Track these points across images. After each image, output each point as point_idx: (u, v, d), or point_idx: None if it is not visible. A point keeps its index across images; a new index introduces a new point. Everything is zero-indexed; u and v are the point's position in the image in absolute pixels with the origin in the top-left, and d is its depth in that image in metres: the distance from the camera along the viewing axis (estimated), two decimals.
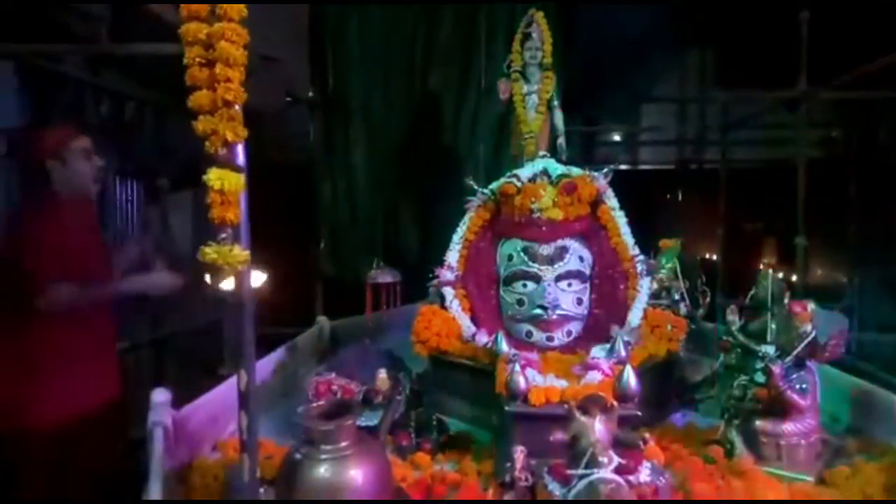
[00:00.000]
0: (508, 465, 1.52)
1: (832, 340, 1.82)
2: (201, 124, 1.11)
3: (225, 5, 1.09)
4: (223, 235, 1.13)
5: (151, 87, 4.76)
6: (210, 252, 1.13)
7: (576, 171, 2.46)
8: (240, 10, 1.11)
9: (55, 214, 2.24)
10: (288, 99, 4.80)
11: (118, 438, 2.38)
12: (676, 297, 2.78)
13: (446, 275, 2.46)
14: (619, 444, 1.39)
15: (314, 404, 1.48)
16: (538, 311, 2.23)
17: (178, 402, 1.70)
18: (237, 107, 1.12)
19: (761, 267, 2.09)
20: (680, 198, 6.94)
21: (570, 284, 2.28)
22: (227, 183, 1.11)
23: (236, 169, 1.14)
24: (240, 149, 1.15)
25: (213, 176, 1.11)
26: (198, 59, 1.10)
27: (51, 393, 2.16)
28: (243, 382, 1.26)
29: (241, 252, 1.15)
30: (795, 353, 1.79)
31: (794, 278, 4.74)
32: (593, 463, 1.29)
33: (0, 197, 3.19)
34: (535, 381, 1.78)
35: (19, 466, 2.14)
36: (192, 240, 5.08)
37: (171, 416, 1.64)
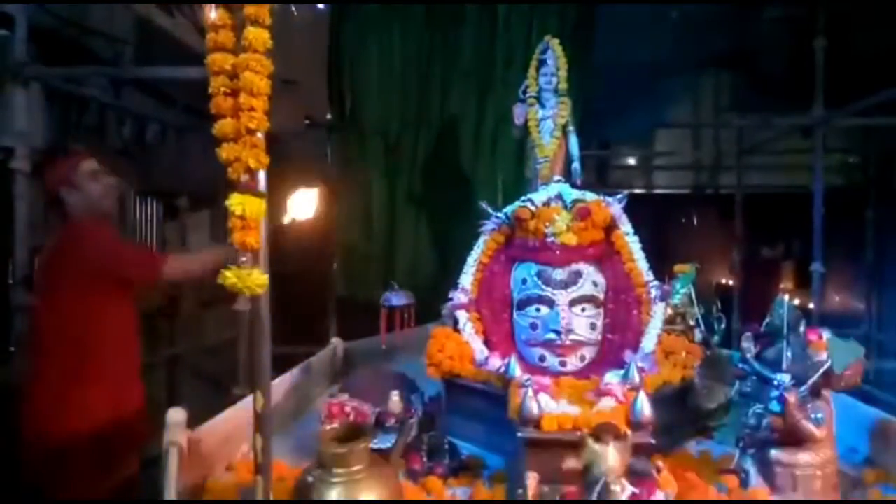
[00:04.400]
0: (520, 491, 1.52)
1: (848, 370, 1.80)
2: (225, 152, 1.14)
3: (250, 36, 1.13)
4: (243, 259, 1.16)
5: (173, 108, 4.86)
6: (230, 276, 1.15)
7: (590, 195, 2.47)
8: (265, 41, 1.14)
9: (104, 232, 2.39)
10: (307, 122, 4.88)
11: (139, 452, 2.45)
12: (691, 322, 2.76)
13: (460, 298, 2.47)
14: (632, 473, 1.38)
15: (327, 427, 1.49)
16: (551, 335, 2.23)
17: (191, 421, 1.72)
18: (260, 134, 1.15)
19: (778, 293, 2.07)
20: (695, 222, 6.93)
21: (583, 309, 2.28)
22: (248, 208, 1.13)
23: (258, 195, 1.16)
24: (262, 175, 1.18)
25: (235, 201, 1.14)
26: (223, 89, 1.14)
27: (92, 403, 2.25)
28: (259, 404, 1.27)
29: (260, 276, 1.17)
30: (811, 382, 1.77)
31: (811, 305, 4.70)
32: (606, 491, 1.28)
33: (23, 212, 3.27)
34: (547, 406, 1.77)
35: (48, 474, 2.20)
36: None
37: (186, 435, 1.66)
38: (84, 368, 2.27)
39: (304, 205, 2.72)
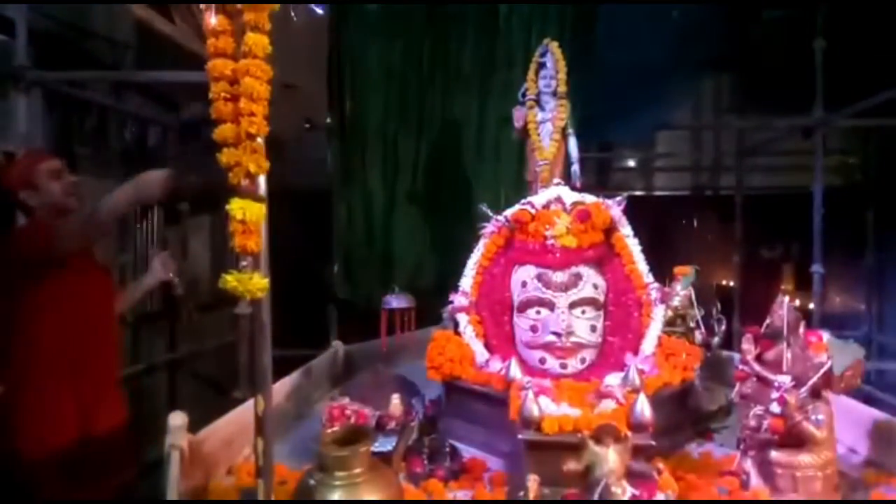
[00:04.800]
0: (521, 493, 1.52)
1: (848, 371, 1.80)
2: (225, 156, 1.15)
3: (250, 42, 1.13)
4: (244, 263, 1.16)
5: (173, 111, 4.88)
6: (230, 280, 1.16)
7: (590, 198, 2.48)
8: (264, 46, 1.15)
9: (38, 235, 2.22)
10: (306, 125, 4.89)
11: (124, 467, 2.36)
12: (692, 324, 2.76)
13: (460, 301, 2.48)
14: (632, 475, 1.39)
15: (328, 430, 1.50)
16: (552, 337, 2.24)
17: (192, 425, 1.72)
18: (260, 139, 1.16)
19: (778, 295, 2.08)
20: (695, 224, 6.93)
21: (583, 311, 2.29)
22: (248, 213, 1.14)
23: (258, 199, 1.17)
24: (262, 179, 1.19)
25: (236, 206, 1.14)
26: (223, 94, 1.15)
27: (53, 416, 2.17)
28: (260, 407, 1.27)
29: (260, 280, 1.17)
30: (811, 383, 1.78)
31: (811, 306, 4.70)
32: (607, 493, 1.29)
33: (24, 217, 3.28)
34: (548, 408, 1.78)
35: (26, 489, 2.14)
36: (210, 262, 5.16)
37: (187, 439, 1.66)
38: (31, 381, 2.18)
39: None
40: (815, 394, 1.78)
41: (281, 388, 2.38)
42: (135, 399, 3.05)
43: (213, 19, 1.16)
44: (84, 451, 2.18)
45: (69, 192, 2.33)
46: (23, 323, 2.19)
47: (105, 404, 2.32)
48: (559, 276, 2.30)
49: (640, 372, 1.97)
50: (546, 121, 3.02)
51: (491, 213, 2.56)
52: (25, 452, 2.13)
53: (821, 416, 1.76)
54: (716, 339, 2.80)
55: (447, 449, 1.99)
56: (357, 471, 1.34)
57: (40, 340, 2.19)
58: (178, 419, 1.65)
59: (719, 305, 2.93)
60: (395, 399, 2.11)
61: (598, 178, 7.03)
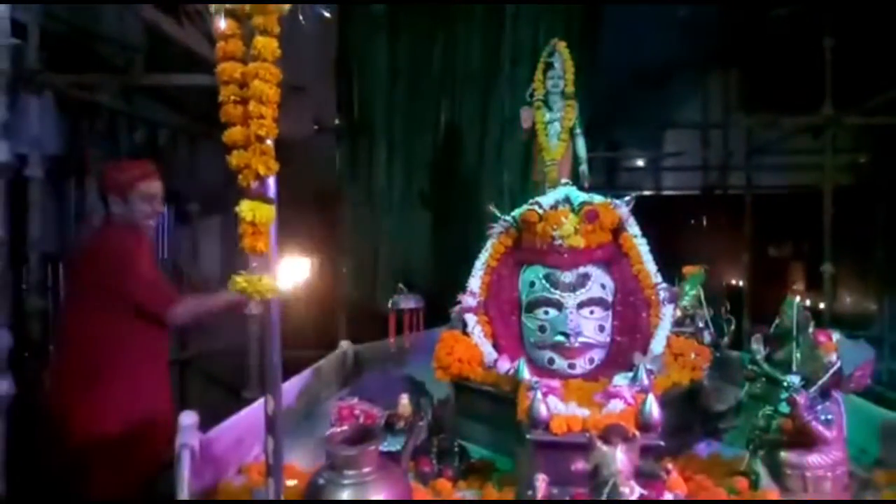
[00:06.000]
0: (530, 492, 1.53)
1: (858, 371, 1.80)
2: (235, 159, 1.16)
3: (259, 45, 1.14)
4: (254, 264, 1.17)
5: (183, 115, 4.90)
6: (240, 281, 1.17)
7: (598, 198, 2.47)
8: (273, 49, 1.16)
9: (133, 244, 2.34)
10: (315, 127, 4.90)
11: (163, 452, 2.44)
12: (700, 324, 2.76)
13: (468, 301, 2.48)
14: (641, 475, 1.38)
15: (337, 429, 1.50)
16: (560, 337, 2.24)
17: (202, 424, 1.74)
18: (269, 141, 1.17)
19: (788, 294, 2.07)
20: (704, 223, 6.89)
21: (592, 312, 2.29)
22: (258, 214, 1.15)
23: (267, 201, 1.18)
24: (271, 181, 1.20)
25: (245, 207, 1.15)
26: (232, 97, 1.16)
27: (112, 403, 2.25)
28: (270, 407, 1.28)
29: (270, 281, 1.18)
30: (821, 383, 1.77)
31: (821, 306, 4.67)
32: (615, 493, 1.29)
33: (37, 218, 3.31)
34: (556, 408, 1.78)
35: (71, 470, 2.22)
36: (220, 263, 5.17)
37: (198, 438, 1.68)
38: (98, 371, 2.27)
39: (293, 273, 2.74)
40: (825, 394, 1.78)
41: (291, 388, 2.39)
42: None
43: (222, 23, 1.17)
44: (137, 435, 2.24)
45: (151, 217, 2.42)
46: (79, 321, 2.30)
47: (152, 398, 2.39)
48: (567, 277, 2.30)
49: (649, 372, 1.96)
50: (554, 121, 3.02)
51: (499, 214, 2.56)
52: (66, 439, 2.20)
53: (831, 417, 1.75)
54: (725, 339, 2.80)
55: (456, 449, 2.00)
56: (366, 470, 1.35)
57: (96, 336, 2.27)
58: (188, 418, 1.66)
59: (728, 305, 2.93)
60: (404, 399, 2.12)
61: (607, 177, 7.01)
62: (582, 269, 2.32)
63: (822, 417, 1.75)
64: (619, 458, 1.34)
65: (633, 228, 2.43)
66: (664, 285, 2.35)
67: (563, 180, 2.77)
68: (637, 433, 1.42)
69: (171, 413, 2.36)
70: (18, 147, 3.37)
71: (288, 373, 2.44)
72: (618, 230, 2.42)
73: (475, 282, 2.53)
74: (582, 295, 2.28)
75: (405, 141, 4.70)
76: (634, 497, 1.29)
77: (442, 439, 2.01)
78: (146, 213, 2.38)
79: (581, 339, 2.23)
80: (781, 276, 6.57)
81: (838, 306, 5.37)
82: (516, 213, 2.52)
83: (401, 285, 3.04)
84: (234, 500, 1.71)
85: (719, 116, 6.87)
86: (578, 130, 3.03)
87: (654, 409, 1.68)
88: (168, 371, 2.58)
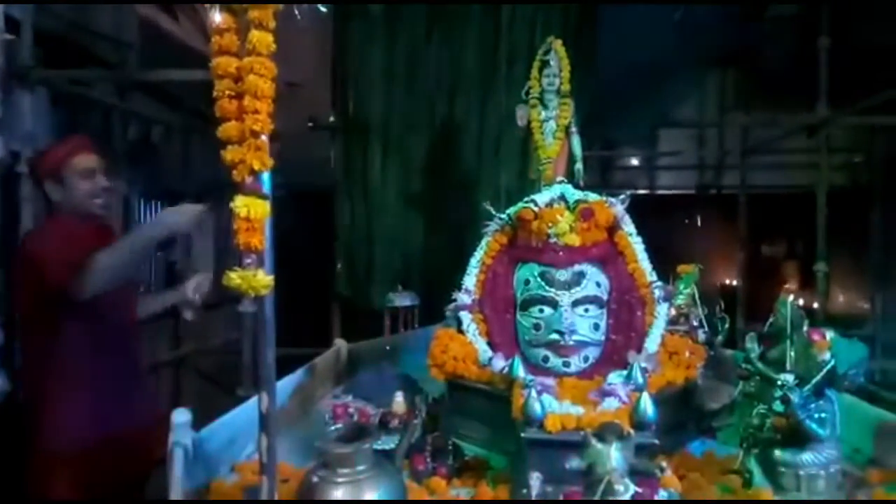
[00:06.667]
0: (524, 491, 1.52)
1: (852, 370, 1.80)
2: (229, 154, 1.15)
3: (254, 40, 1.14)
4: (248, 261, 1.17)
5: (177, 110, 4.89)
6: (234, 277, 1.16)
7: (593, 196, 2.47)
8: (269, 44, 1.15)
9: (61, 231, 2.14)
10: (310, 124, 4.89)
11: (146, 463, 2.34)
12: (695, 323, 2.76)
13: (463, 299, 2.48)
14: (635, 473, 1.38)
15: (331, 428, 1.50)
16: (555, 336, 2.24)
17: (196, 422, 1.73)
18: (264, 137, 1.16)
19: (782, 293, 2.07)
20: (699, 223, 6.92)
21: (587, 310, 2.28)
22: (252, 210, 1.14)
23: (262, 196, 1.17)
24: (266, 177, 1.19)
25: (240, 203, 1.15)
26: (227, 92, 1.15)
27: (80, 415, 2.15)
28: (264, 405, 1.28)
29: (265, 277, 1.18)
30: (814, 382, 1.78)
31: (815, 305, 4.69)
32: (609, 491, 1.29)
33: (29, 216, 3.29)
34: (551, 407, 1.78)
35: (46, 486, 2.13)
36: (214, 259, 5.15)
37: (190, 436, 1.67)
38: (58, 384, 2.11)
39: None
40: (819, 392, 1.78)
41: (284, 386, 2.38)
42: None
43: (217, 17, 1.16)
44: (112, 448, 2.15)
45: (96, 195, 2.16)
46: (47, 327, 2.11)
47: (130, 403, 2.30)
48: (562, 275, 2.30)
49: (644, 370, 1.96)
50: (549, 119, 3.00)
51: (494, 212, 2.56)
52: (47, 454, 2.10)
53: (824, 415, 1.76)
54: (719, 338, 2.80)
55: (450, 447, 1.99)
56: (360, 468, 1.35)
57: (64, 344, 2.11)
58: (181, 416, 1.66)
59: (722, 304, 2.92)
60: (398, 397, 2.12)
61: (602, 176, 7.03)
62: (577, 267, 2.31)
63: (816, 416, 1.75)
64: (614, 456, 1.34)
65: (629, 227, 2.43)
66: (659, 283, 2.35)
67: (559, 178, 2.76)
68: (632, 431, 1.42)
69: (152, 417, 2.28)
70: (11, 143, 3.35)
71: (282, 371, 2.43)
72: (613, 228, 2.42)
73: (470, 280, 2.52)
74: (577, 293, 2.28)
75: (401, 138, 4.69)
76: (628, 495, 1.28)
77: (436, 437, 2.00)
78: (87, 191, 2.12)
79: (576, 338, 2.23)
80: (775, 275, 6.60)
81: (832, 305, 5.40)
82: (511, 210, 2.52)
83: (396, 283, 3.04)
84: (226, 499, 1.70)
85: (714, 115, 6.89)
86: (574, 129, 3.02)
87: (648, 407, 1.68)
88: (142, 373, 2.46)
